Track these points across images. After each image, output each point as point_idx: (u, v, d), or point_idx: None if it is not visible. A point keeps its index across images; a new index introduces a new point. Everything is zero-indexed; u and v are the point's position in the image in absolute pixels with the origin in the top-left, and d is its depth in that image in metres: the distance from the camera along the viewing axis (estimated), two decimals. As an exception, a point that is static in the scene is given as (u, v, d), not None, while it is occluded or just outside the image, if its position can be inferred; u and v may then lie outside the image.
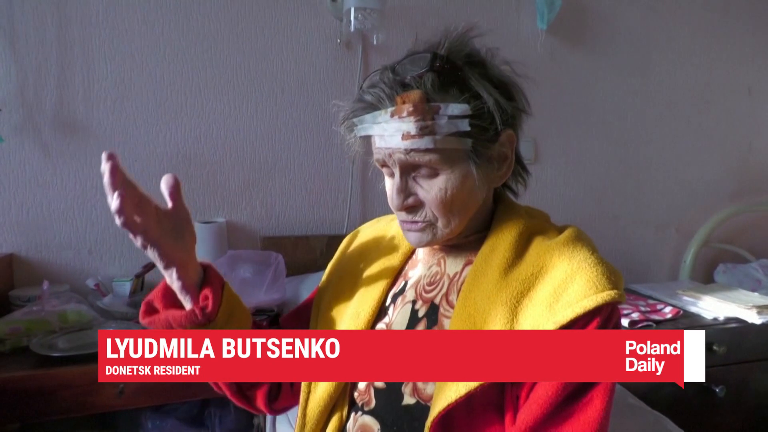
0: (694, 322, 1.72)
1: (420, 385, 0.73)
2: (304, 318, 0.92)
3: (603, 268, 0.66)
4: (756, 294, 1.89)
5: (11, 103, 1.57)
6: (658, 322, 1.69)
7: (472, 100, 0.68)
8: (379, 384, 0.77)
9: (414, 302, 0.79)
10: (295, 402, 0.87)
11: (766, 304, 1.73)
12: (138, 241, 0.68)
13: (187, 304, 0.75)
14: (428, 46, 0.72)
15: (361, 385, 0.79)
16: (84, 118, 1.63)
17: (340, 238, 0.99)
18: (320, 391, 0.81)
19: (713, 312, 1.77)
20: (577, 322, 0.63)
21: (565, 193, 2.19)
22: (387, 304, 0.82)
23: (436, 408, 0.66)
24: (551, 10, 1.94)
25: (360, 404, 0.78)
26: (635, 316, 1.69)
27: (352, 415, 0.79)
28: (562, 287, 0.66)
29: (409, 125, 0.67)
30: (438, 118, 0.67)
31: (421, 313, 0.77)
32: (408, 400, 0.73)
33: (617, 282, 0.66)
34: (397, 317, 0.79)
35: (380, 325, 0.81)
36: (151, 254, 0.70)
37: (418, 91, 0.67)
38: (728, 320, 1.73)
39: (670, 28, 2.24)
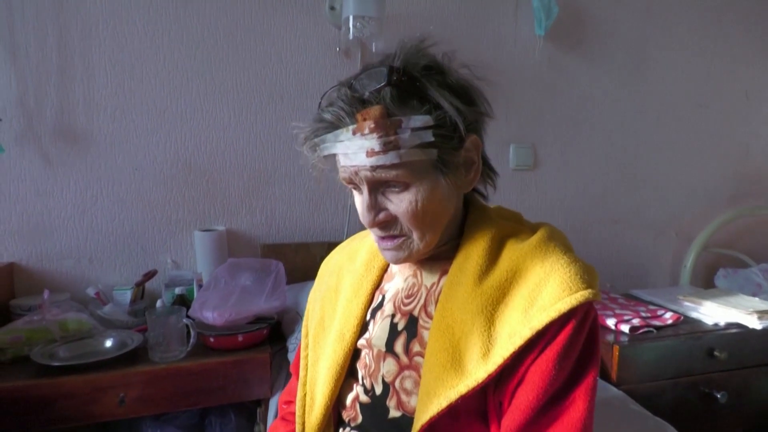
0: (694, 327, 1.72)
1: (404, 398, 0.74)
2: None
3: (576, 268, 0.67)
4: (756, 299, 1.88)
5: (11, 112, 1.57)
6: (658, 328, 1.69)
7: (434, 110, 0.67)
8: (364, 398, 0.78)
9: (393, 316, 0.79)
10: None
11: (767, 309, 1.73)
12: None
13: None
14: (383, 59, 0.71)
15: (348, 402, 0.80)
16: (84, 126, 1.64)
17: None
18: (315, 416, 0.82)
19: (714, 317, 1.76)
20: (553, 326, 0.64)
21: (564, 198, 2.20)
22: (368, 319, 0.82)
23: (419, 421, 0.67)
24: (548, 16, 1.94)
25: (347, 420, 0.79)
26: (636, 322, 1.68)
27: (340, 430, 0.80)
28: (536, 291, 0.66)
29: (373, 142, 0.66)
30: (401, 132, 0.66)
31: (400, 327, 0.77)
32: (394, 413, 0.74)
33: (591, 281, 0.66)
34: (376, 332, 0.79)
35: (361, 341, 0.81)
36: None
37: (378, 107, 0.66)
38: (729, 326, 1.73)
39: (666, 33, 2.25)
